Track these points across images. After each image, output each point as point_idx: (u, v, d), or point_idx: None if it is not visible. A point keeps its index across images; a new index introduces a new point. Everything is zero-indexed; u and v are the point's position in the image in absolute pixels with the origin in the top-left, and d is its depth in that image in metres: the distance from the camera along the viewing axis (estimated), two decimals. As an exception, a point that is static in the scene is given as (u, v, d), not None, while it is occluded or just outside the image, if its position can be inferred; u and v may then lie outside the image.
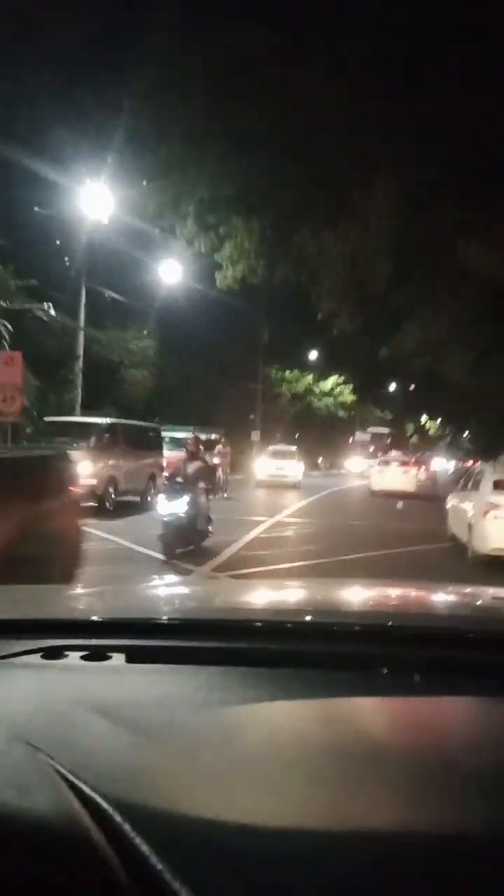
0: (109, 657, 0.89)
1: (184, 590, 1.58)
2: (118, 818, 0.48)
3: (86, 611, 1.18)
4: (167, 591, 1.57)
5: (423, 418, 50.19)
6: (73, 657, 0.89)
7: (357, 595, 1.44)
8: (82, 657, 0.89)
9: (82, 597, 1.50)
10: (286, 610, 1.21)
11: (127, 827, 0.47)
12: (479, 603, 1.34)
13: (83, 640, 0.93)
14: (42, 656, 0.89)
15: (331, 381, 30.49)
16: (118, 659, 0.88)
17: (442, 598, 1.41)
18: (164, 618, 1.09)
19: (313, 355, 29.02)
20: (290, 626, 1.01)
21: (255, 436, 22.75)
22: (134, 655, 0.89)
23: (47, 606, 1.22)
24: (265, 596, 1.46)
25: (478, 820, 0.49)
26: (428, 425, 54.09)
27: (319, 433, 30.97)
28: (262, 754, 0.61)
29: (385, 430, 29.73)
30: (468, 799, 0.51)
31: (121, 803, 0.49)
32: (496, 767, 0.56)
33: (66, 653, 0.90)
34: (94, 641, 0.93)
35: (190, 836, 0.47)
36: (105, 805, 0.49)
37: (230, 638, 0.94)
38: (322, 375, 30.07)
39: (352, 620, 1.07)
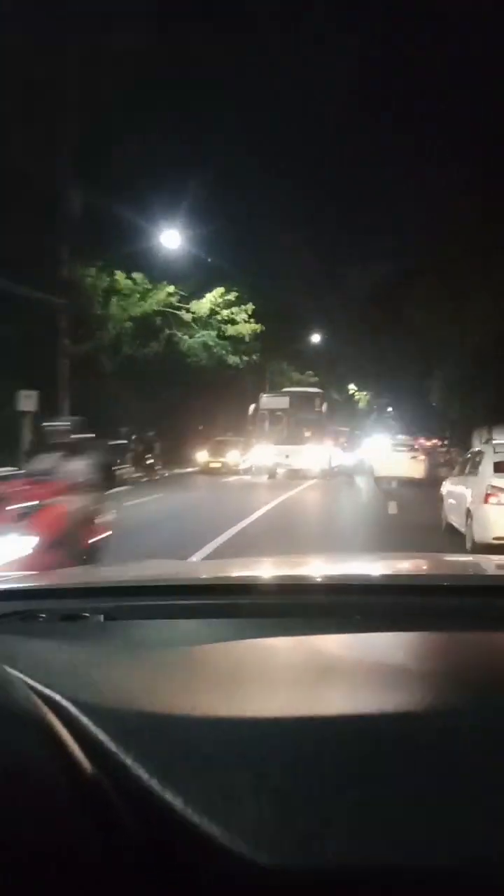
0: (86, 617, 0.97)
1: (159, 563, 1.83)
2: (81, 715, 0.53)
3: (63, 580, 1.28)
4: (143, 566, 1.77)
5: (351, 388, 43.52)
6: (51, 619, 0.97)
7: (327, 560, 1.74)
8: (60, 619, 0.97)
9: (59, 572, 1.61)
10: (264, 573, 1.37)
11: (85, 718, 0.52)
12: (449, 564, 1.60)
13: (60, 604, 1.02)
14: (21, 619, 0.98)
15: (211, 299, 16.63)
16: (96, 618, 0.96)
17: (409, 560, 1.66)
18: (137, 581, 1.19)
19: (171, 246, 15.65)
20: (266, 583, 1.15)
21: (27, 402, 11.45)
22: (111, 615, 0.97)
23: (25, 579, 1.33)
24: (240, 564, 1.69)
25: (436, 707, 0.58)
26: (357, 396, 46.60)
27: (183, 395, 19.39)
28: (231, 671, 0.71)
29: (314, 391, 21.30)
30: (424, 689, 0.61)
31: (87, 705, 0.55)
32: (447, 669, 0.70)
33: (43, 615, 0.98)
34: (70, 604, 1.01)
35: (156, 731, 0.53)
36: (68, 704, 0.54)
37: (200, 596, 1.05)
38: (191, 286, 16.48)
39: (317, 577, 1.23)
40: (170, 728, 0.53)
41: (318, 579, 1.22)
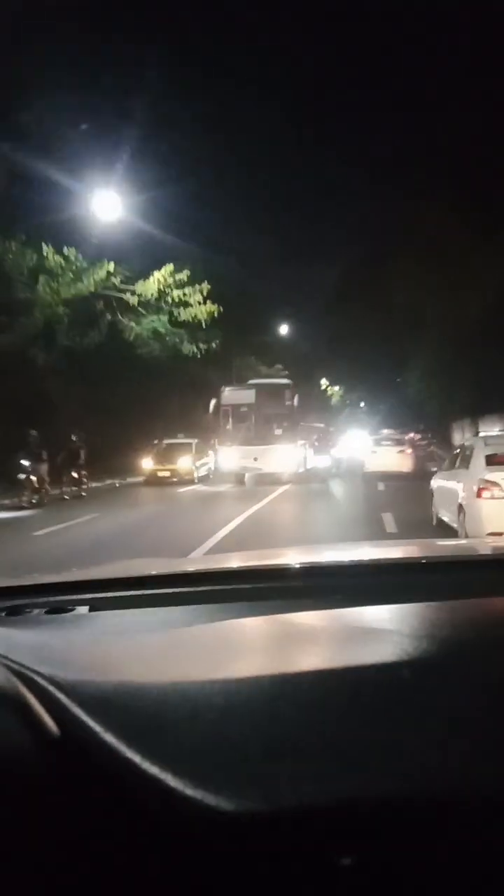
0: (72, 609, 1.01)
1: (145, 561, 1.81)
2: (51, 687, 0.55)
3: (47, 577, 1.30)
4: (128, 564, 1.73)
5: (323, 382, 41.47)
6: (37, 612, 1.01)
7: (308, 548, 1.91)
8: (46, 612, 1.01)
9: (44, 572, 1.63)
10: (253, 560, 1.45)
11: (58, 693, 0.54)
12: (433, 546, 1.78)
13: (45, 598, 1.06)
14: (7, 614, 1.01)
15: (160, 278, 14.24)
16: (81, 610, 1.00)
17: (390, 545, 1.88)
18: (122, 574, 1.23)
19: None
20: (244, 569, 1.23)
21: None
22: (95, 606, 1.02)
23: (11, 577, 1.35)
24: (221, 558, 1.84)
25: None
26: (330, 391, 45.93)
27: (132, 392, 17.12)
28: (207, 646, 0.73)
29: (283, 382, 18.41)
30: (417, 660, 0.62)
31: (63, 681, 0.57)
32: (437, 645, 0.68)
33: (29, 610, 1.02)
34: (55, 598, 1.06)
35: (126, 697, 0.55)
36: (40, 679, 0.56)
37: (180, 584, 1.09)
38: (135, 264, 14.33)
39: (296, 562, 1.26)
40: (139, 694, 0.55)
41: (297, 564, 1.25)
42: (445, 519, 7.35)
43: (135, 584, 1.11)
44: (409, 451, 18.67)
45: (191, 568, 1.36)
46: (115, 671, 0.63)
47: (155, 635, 0.83)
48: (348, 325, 29.88)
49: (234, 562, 1.50)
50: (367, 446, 19.54)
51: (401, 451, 18.11)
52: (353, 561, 1.30)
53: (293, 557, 1.47)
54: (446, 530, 7.18)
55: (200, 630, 0.82)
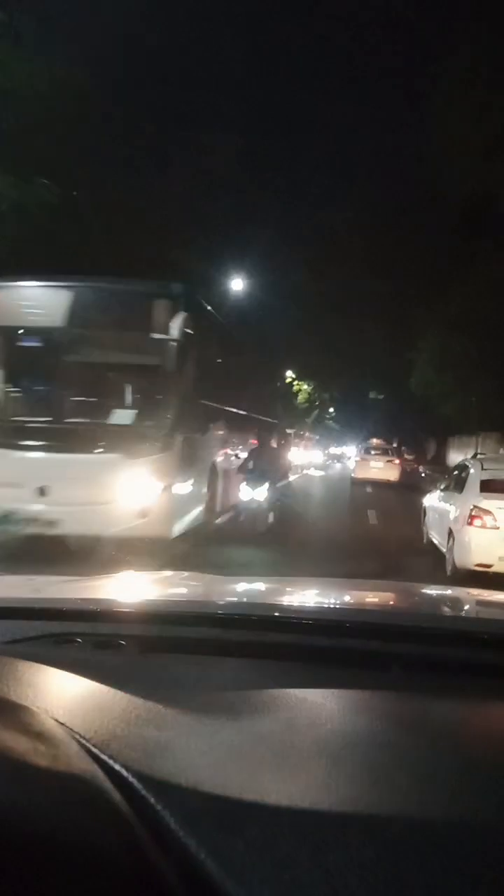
0: (121, 645, 1.04)
1: (189, 583, 1.85)
2: (143, 790, 0.57)
3: (96, 600, 1.33)
4: (173, 583, 1.80)
5: (289, 375, 36.92)
6: (85, 643, 1.05)
7: (358, 594, 1.75)
8: (94, 644, 1.04)
9: (94, 586, 1.66)
10: (290, 606, 1.46)
11: (153, 798, 0.56)
12: (476, 605, 1.66)
13: (94, 627, 1.10)
14: (55, 642, 1.05)
15: None
16: (129, 647, 1.04)
17: (447, 599, 1.77)
18: (171, 609, 1.27)
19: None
20: (297, 620, 1.21)
21: None
22: (144, 644, 1.05)
23: (61, 595, 1.39)
24: (268, 593, 1.74)
25: (461, 806, 0.63)
26: (297, 387, 39.56)
27: None
28: (275, 738, 0.74)
29: (150, 290, 6.83)
30: (440, 788, 0.65)
31: (143, 776, 0.59)
32: (461, 762, 0.72)
33: (78, 639, 1.06)
34: (104, 630, 1.09)
35: (209, 810, 0.57)
36: (129, 777, 0.59)
37: (234, 630, 1.11)
38: None
39: (357, 618, 1.28)
40: (233, 814, 0.57)
41: (353, 617, 1.28)
42: (435, 541, 7.41)
43: (180, 623, 1.14)
44: (397, 461, 19.88)
45: (240, 601, 1.40)
46: (198, 770, 0.63)
47: (216, 702, 0.83)
48: (332, 301, 25.31)
49: (282, 601, 1.54)
50: (356, 454, 22.32)
51: (388, 461, 20.01)
52: (418, 626, 1.24)
53: (343, 603, 1.55)
54: (435, 553, 7.14)
55: (265, 705, 0.81)
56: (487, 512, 6.28)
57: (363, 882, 0.52)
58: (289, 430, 22.34)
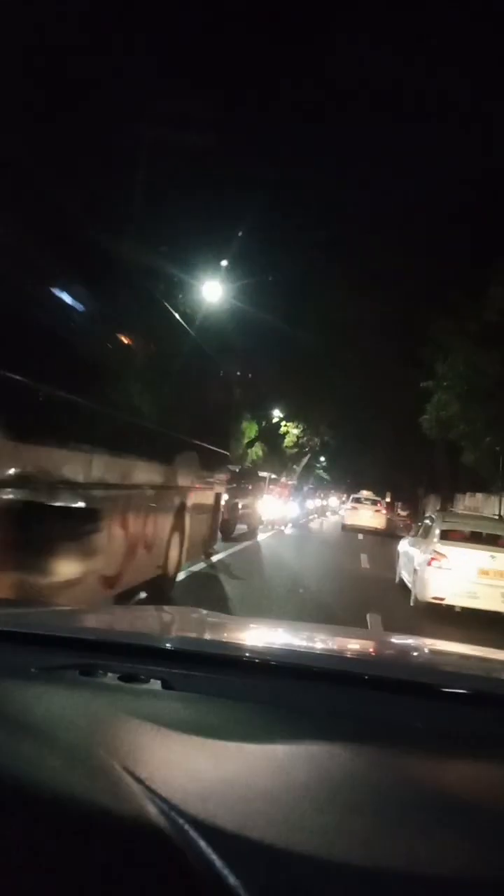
0: (146, 680, 1.08)
1: (215, 622, 1.98)
2: (193, 833, 0.62)
3: (122, 634, 1.43)
4: (200, 621, 1.91)
5: (276, 414, 35.14)
6: (111, 677, 1.09)
7: (390, 647, 1.81)
8: (119, 678, 1.08)
9: (123, 617, 1.83)
10: (310, 653, 1.51)
11: (203, 842, 0.61)
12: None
13: (119, 661, 1.13)
14: (80, 672, 1.09)
15: None
16: (154, 684, 1.08)
17: (469, 656, 1.77)
18: (198, 648, 1.33)
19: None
20: (314, 669, 1.22)
21: None
22: (168, 683, 1.08)
23: (85, 626, 1.50)
24: (286, 637, 1.82)
25: (472, 862, 0.66)
26: (285, 427, 37.45)
27: None
28: (312, 787, 0.77)
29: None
30: (475, 843, 0.69)
31: (194, 819, 0.64)
32: (471, 819, 0.75)
33: (103, 672, 1.10)
34: (129, 664, 1.12)
35: (258, 858, 0.61)
36: (180, 819, 0.63)
37: (260, 675, 1.15)
38: None
39: (390, 674, 1.28)
40: (258, 855, 0.60)
41: (381, 672, 1.28)
42: (405, 579, 9.03)
43: (205, 663, 1.16)
44: (384, 511, 22.02)
45: (267, 656, 1.31)
46: (245, 816, 0.66)
47: (247, 746, 0.86)
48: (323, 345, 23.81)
49: (305, 650, 1.56)
50: (346, 504, 25.27)
51: (377, 511, 23.09)
52: (449, 685, 1.19)
53: (370, 656, 1.58)
54: (405, 589, 8.69)
55: (299, 755, 0.85)
56: (443, 555, 7.95)
57: None
58: (263, 474, 20.60)
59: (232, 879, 0.56)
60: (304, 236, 22.40)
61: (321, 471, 52.10)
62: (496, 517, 13.44)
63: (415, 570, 8.64)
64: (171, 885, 0.56)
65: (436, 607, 7.90)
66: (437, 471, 23.89)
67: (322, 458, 48.22)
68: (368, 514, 21.87)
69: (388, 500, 31.94)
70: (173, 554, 6.31)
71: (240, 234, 16.61)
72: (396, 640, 2.08)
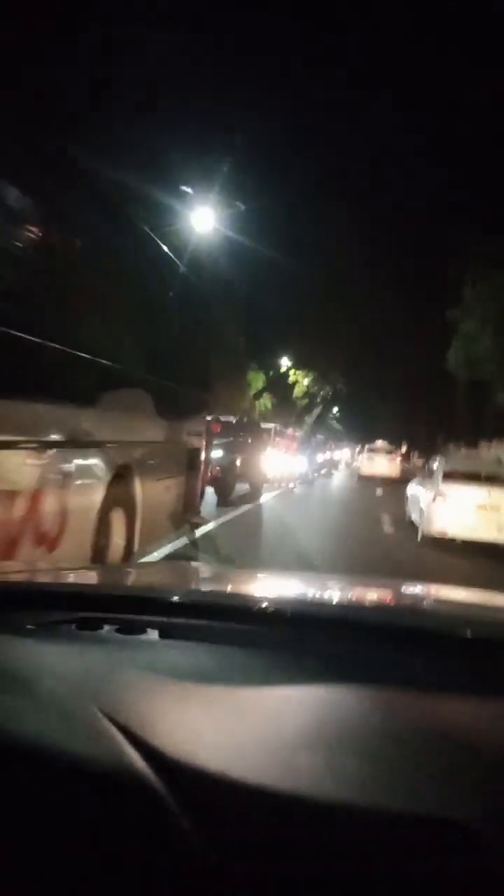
0: (144, 632, 1.10)
1: (211, 573, 2.09)
2: (175, 776, 0.64)
3: (119, 587, 1.48)
4: (196, 573, 2.02)
5: (285, 363, 33.10)
6: (108, 630, 1.11)
7: (384, 593, 1.81)
8: (116, 630, 1.10)
9: (120, 573, 1.93)
10: (308, 601, 1.53)
11: (189, 783, 0.63)
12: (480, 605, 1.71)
13: (117, 614, 1.14)
14: (77, 627, 1.11)
15: None
16: (152, 634, 1.10)
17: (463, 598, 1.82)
18: (196, 598, 1.36)
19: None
20: (311, 615, 1.23)
21: None
22: (166, 632, 1.10)
23: (83, 582, 1.55)
24: (285, 586, 1.87)
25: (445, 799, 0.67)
26: (294, 377, 35.23)
27: None
28: (301, 728, 0.78)
29: None
30: (449, 780, 0.70)
31: (181, 763, 0.66)
32: (452, 759, 0.76)
33: (101, 625, 1.12)
34: (126, 616, 1.13)
35: (244, 798, 0.63)
36: (162, 763, 0.65)
37: (256, 622, 1.15)
38: None
39: (370, 618, 1.30)
40: (243, 795, 0.62)
41: (372, 616, 1.31)
42: (413, 518, 10.02)
43: (203, 613, 1.16)
44: (398, 459, 22.80)
45: (259, 603, 1.30)
46: (231, 759, 0.68)
47: (239, 692, 0.87)
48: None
49: (303, 597, 1.58)
50: (362, 454, 26.83)
51: (392, 460, 24.25)
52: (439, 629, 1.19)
53: (362, 601, 1.58)
54: (414, 527, 10.46)
55: (292, 698, 0.86)
56: (447, 495, 8.89)
57: (361, 863, 0.58)
58: (267, 426, 18.05)
59: (215, 819, 0.58)
60: (310, 155, 23.89)
61: (334, 421, 51.06)
62: (498, 458, 13.58)
63: (421, 510, 9.81)
64: (153, 828, 0.58)
65: (440, 540, 9.02)
66: (459, 417, 22.82)
67: (335, 409, 47.17)
68: (384, 463, 23.18)
69: (404, 449, 32.47)
70: (115, 538, 4.54)
71: (236, 147, 16.88)
72: (397, 585, 2.02)
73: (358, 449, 36.97)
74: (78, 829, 0.61)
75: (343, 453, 45.47)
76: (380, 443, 26.91)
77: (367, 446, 27.25)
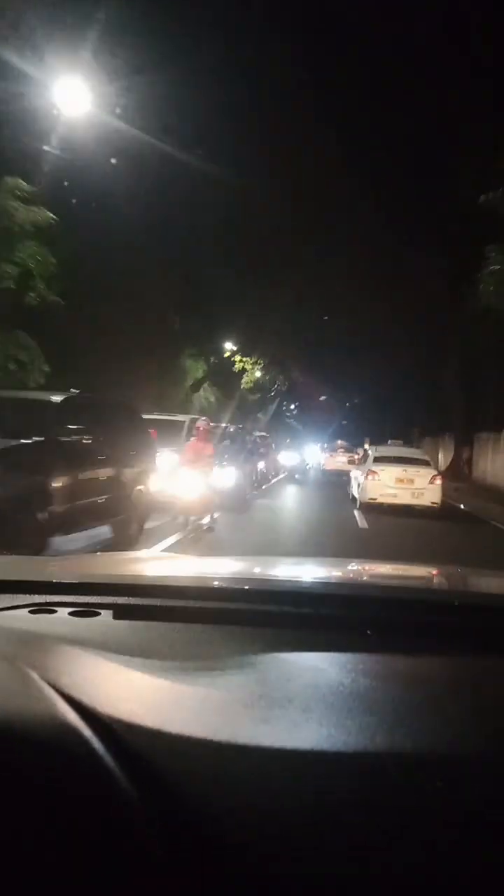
0: (98, 613, 1.18)
1: (161, 558, 2.46)
2: (129, 736, 0.66)
3: (74, 574, 1.58)
4: (146, 559, 2.30)
5: (229, 348, 28.89)
6: (62, 612, 1.18)
7: (322, 568, 2.05)
8: (70, 613, 1.18)
9: (69, 562, 2.09)
10: (257, 577, 1.68)
11: (139, 745, 0.66)
12: (451, 578, 1.94)
13: (70, 598, 1.22)
14: (31, 611, 1.18)
15: None
16: (106, 615, 1.18)
17: (417, 572, 2.07)
18: (148, 581, 1.46)
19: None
20: (262, 590, 1.34)
21: None
22: (120, 612, 1.18)
23: (35, 570, 1.64)
24: (237, 565, 2.06)
25: (438, 743, 0.71)
26: (240, 364, 30.34)
27: None
28: (250, 691, 0.84)
29: None
30: (432, 726, 0.76)
31: (120, 721, 0.69)
32: (440, 705, 0.82)
33: (55, 609, 1.19)
34: (81, 599, 1.22)
35: (198, 752, 0.66)
36: (113, 725, 0.68)
37: (208, 599, 1.26)
38: None
39: (321, 587, 1.50)
40: (223, 755, 0.64)
41: (312, 586, 1.47)
42: (353, 492, 15.98)
43: (160, 594, 1.24)
44: (356, 458, 29.53)
45: (218, 576, 1.48)
46: (172, 716, 0.71)
47: (191, 662, 0.93)
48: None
49: (262, 573, 1.73)
50: (324, 452, 34.26)
51: (350, 460, 29.35)
52: (397, 590, 1.42)
53: (313, 573, 1.76)
54: (351, 499, 15.39)
55: (240, 665, 0.92)
56: (375, 473, 13.02)
57: (360, 812, 0.59)
58: (160, 417, 12.29)
59: (154, 774, 0.60)
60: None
61: (291, 420, 51.12)
62: (413, 447, 18.79)
63: (358, 484, 15.24)
64: (90, 785, 0.60)
65: (371, 504, 14.07)
66: (452, 408, 21.22)
67: (293, 406, 46.72)
68: (343, 461, 29.77)
69: (366, 446, 36.99)
70: None
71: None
72: (341, 564, 2.17)
73: (323, 447, 42.88)
74: (13, 788, 0.61)
75: (306, 452, 40.34)
76: (339, 442, 35.34)
77: (327, 446, 35.99)
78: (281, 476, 20.90)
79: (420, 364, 20.25)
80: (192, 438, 9.51)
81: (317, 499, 15.76)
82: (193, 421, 11.04)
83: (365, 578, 1.83)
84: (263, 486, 18.13)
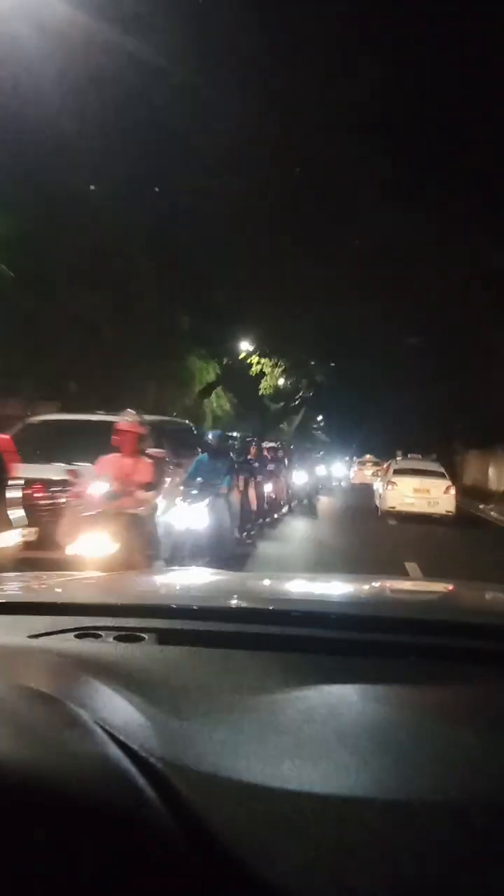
0: (142, 638, 1.19)
1: (207, 578, 2.38)
2: (167, 773, 0.67)
3: (117, 595, 1.61)
4: (190, 578, 2.32)
5: (244, 348, 25.41)
6: (107, 637, 1.20)
7: (371, 589, 2.04)
8: (115, 638, 1.19)
9: (112, 582, 2.12)
10: (304, 600, 1.72)
11: (176, 781, 0.67)
12: (472, 597, 1.99)
13: (115, 621, 1.25)
14: (76, 636, 1.20)
15: None
16: (150, 639, 1.19)
17: (449, 592, 2.06)
18: (192, 603, 1.47)
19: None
20: (310, 614, 1.34)
21: None
22: (164, 637, 1.19)
23: (80, 591, 1.70)
24: (283, 588, 2.10)
25: (467, 789, 0.70)
26: (258, 364, 26.46)
27: None
28: (296, 728, 0.84)
29: None
30: (461, 770, 0.75)
31: (167, 762, 0.70)
32: (480, 744, 0.82)
33: (100, 633, 1.21)
34: (125, 623, 1.23)
35: (231, 792, 0.67)
36: (152, 760, 0.69)
37: (254, 623, 1.25)
38: None
39: (372, 612, 1.49)
40: (255, 795, 0.65)
41: (366, 611, 1.46)
42: (377, 503, 18.55)
43: (200, 617, 1.26)
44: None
45: (259, 597, 1.50)
46: (221, 759, 0.71)
47: (239, 695, 0.92)
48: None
49: (305, 595, 1.77)
50: (352, 465, 38.40)
51: (378, 471, 32.63)
52: (432, 619, 1.36)
53: (356, 597, 1.75)
54: (374, 508, 18.05)
55: (288, 698, 0.91)
56: (394, 483, 14.90)
57: (385, 856, 0.59)
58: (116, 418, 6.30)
59: (205, 813, 0.61)
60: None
61: (318, 431, 48.78)
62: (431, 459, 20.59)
63: (380, 495, 17.77)
64: (138, 829, 0.60)
65: (391, 511, 16.43)
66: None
67: (319, 417, 44.37)
68: (370, 474, 32.07)
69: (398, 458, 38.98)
70: None
71: None
72: (386, 582, 2.18)
73: (347, 460, 46.41)
74: (62, 830, 0.60)
75: (333, 469, 38.07)
76: (368, 457, 38.55)
77: (356, 460, 39.86)
78: (295, 503, 15.41)
79: (466, 370, 18.20)
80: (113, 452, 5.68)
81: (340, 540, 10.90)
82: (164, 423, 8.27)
83: (406, 598, 1.91)
84: (267, 519, 12.39)
